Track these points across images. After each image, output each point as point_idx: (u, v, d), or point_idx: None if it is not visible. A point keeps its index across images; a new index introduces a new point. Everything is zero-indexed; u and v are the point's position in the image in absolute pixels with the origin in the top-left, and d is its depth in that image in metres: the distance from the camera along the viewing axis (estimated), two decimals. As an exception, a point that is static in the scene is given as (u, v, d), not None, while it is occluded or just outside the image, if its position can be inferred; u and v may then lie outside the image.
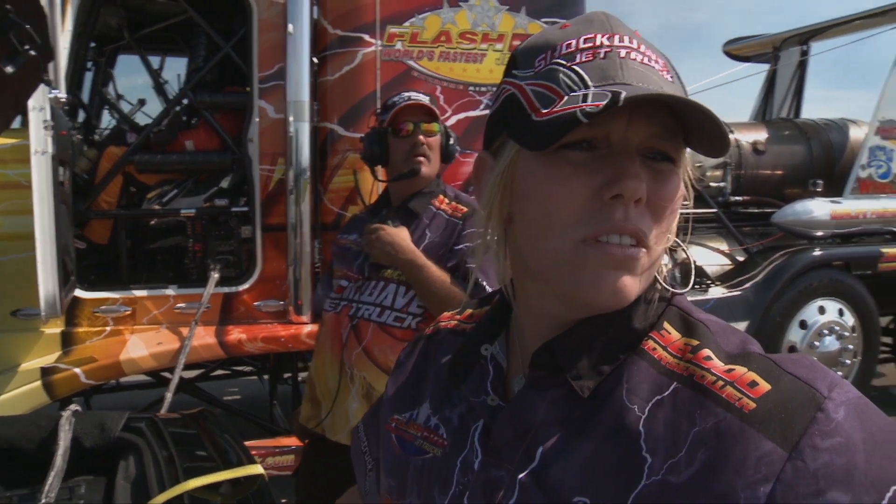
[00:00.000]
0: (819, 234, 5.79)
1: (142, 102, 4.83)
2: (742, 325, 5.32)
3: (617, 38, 0.72)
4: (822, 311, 5.60)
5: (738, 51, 7.90)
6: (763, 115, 7.64)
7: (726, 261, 5.89)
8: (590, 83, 0.69)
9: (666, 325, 0.76)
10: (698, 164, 6.08)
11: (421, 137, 2.37)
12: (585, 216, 0.69)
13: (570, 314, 0.75)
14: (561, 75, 0.71)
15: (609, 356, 0.74)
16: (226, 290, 4.03)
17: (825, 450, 0.60)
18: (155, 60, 5.39)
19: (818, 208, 5.75)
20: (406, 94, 2.44)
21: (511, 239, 0.79)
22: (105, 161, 4.12)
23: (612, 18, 0.75)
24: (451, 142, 2.50)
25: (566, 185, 0.69)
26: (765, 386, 0.66)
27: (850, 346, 5.65)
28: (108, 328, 3.88)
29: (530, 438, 0.74)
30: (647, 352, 0.74)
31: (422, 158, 2.37)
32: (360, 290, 2.40)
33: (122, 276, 4.06)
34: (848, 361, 5.63)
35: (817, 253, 5.65)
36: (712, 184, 6.13)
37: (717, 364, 0.70)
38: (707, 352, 0.71)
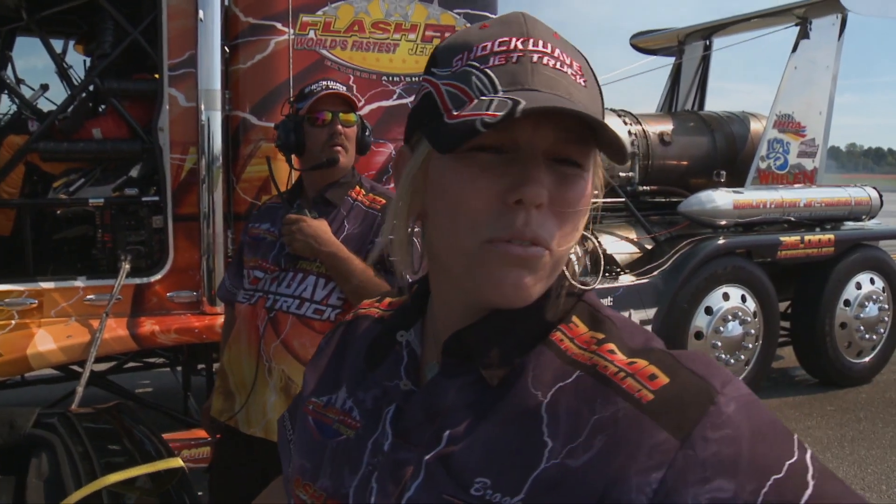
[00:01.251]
0: (723, 223, 6.02)
1: (44, 88, 4.65)
2: (651, 312, 5.49)
3: (531, 42, 0.73)
4: (726, 297, 5.83)
5: (645, 44, 8.12)
6: (669, 107, 7.88)
7: (635, 249, 6.07)
8: (499, 87, 0.71)
9: (574, 318, 0.79)
10: (608, 155, 6.23)
11: (339, 127, 2.35)
12: (490, 218, 0.71)
13: (476, 304, 0.78)
14: (473, 77, 0.73)
15: (519, 347, 0.77)
16: (137, 280, 3.94)
17: (714, 440, 0.65)
18: (58, 45, 5.20)
19: (721, 198, 5.97)
20: (324, 82, 2.41)
21: (426, 232, 0.81)
22: (5, 150, 3.98)
23: (530, 20, 0.76)
24: (367, 133, 2.50)
25: (474, 185, 0.71)
26: (663, 379, 0.70)
27: (752, 331, 5.90)
28: (13, 322, 3.75)
29: (438, 422, 0.77)
30: (555, 342, 0.77)
31: (339, 148, 2.36)
32: (276, 282, 2.37)
33: (27, 267, 3.93)
34: (750, 346, 5.89)
35: (721, 241, 5.87)
36: (621, 174, 6.29)
37: (620, 357, 0.73)
38: (611, 346, 0.75)
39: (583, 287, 0.82)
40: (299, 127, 2.38)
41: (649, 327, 5.43)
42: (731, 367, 5.82)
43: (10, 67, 4.96)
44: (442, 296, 0.83)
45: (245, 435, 2.38)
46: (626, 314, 5.36)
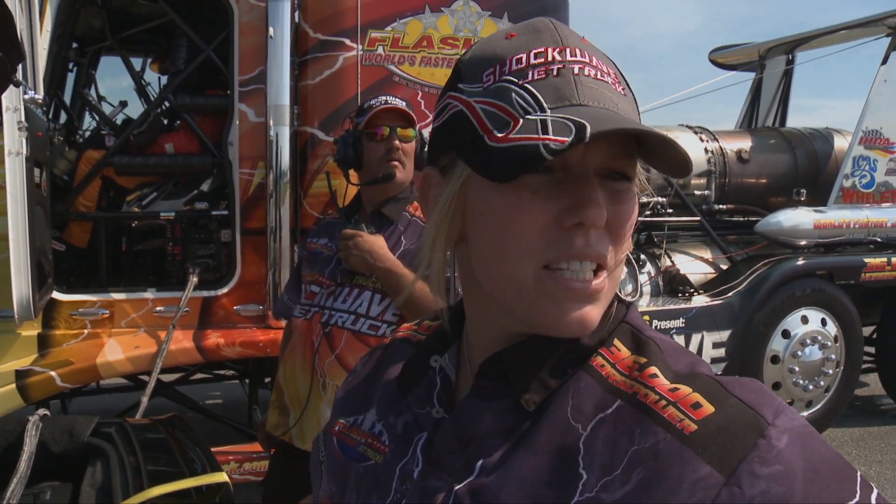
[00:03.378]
0: (802, 243, 5.79)
1: (123, 104, 4.80)
2: (724, 334, 5.32)
3: (569, 51, 0.70)
4: (804, 320, 5.61)
5: (724, 59, 7.93)
6: (749, 123, 7.68)
7: (710, 269, 5.90)
8: (545, 105, 0.67)
9: (616, 341, 0.75)
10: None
11: (396, 142, 2.33)
12: (545, 243, 0.67)
13: (525, 330, 0.74)
14: (514, 94, 0.68)
15: (558, 371, 0.73)
16: (205, 293, 4.02)
17: (764, 477, 0.59)
18: (137, 64, 5.37)
19: (800, 217, 5.76)
20: (383, 97, 2.40)
21: (462, 257, 0.77)
22: (83, 164, 4.10)
23: (560, 27, 0.72)
24: (426, 148, 2.47)
25: (524, 210, 0.67)
26: (708, 408, 0.65)
27: (833, 356, 5.67)
28: (85, 331, 3.85)
29: (472, 450, 0.73)
30: (595, 368, 0.73)
31: (396, 163, 2.34)
32: (332, 297, 2.36)
33: (100, 278, 4.03)
34: (830, 371, 5.65)
35: (800, 262, 5.66)
36: (696, 192, 6.14)
37: (663, 383, 0.68)
38: (654, 370, 0.70)
39: (627, 304, 0.78)
40: (357, 142, 2.37)
41: (722, 350, 5.27)
42: (810, 393, 5.61)
43: (92, 86, 5.13)
44: (478, 321, 0.79)
45: (299, 450, 2.37)
46: (699, 336, 5.23)
